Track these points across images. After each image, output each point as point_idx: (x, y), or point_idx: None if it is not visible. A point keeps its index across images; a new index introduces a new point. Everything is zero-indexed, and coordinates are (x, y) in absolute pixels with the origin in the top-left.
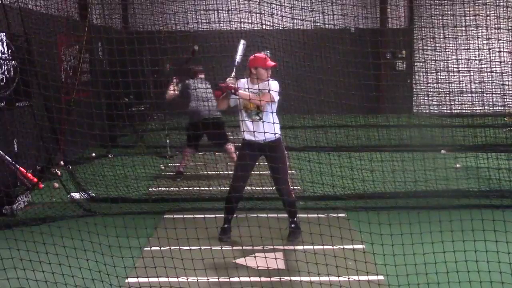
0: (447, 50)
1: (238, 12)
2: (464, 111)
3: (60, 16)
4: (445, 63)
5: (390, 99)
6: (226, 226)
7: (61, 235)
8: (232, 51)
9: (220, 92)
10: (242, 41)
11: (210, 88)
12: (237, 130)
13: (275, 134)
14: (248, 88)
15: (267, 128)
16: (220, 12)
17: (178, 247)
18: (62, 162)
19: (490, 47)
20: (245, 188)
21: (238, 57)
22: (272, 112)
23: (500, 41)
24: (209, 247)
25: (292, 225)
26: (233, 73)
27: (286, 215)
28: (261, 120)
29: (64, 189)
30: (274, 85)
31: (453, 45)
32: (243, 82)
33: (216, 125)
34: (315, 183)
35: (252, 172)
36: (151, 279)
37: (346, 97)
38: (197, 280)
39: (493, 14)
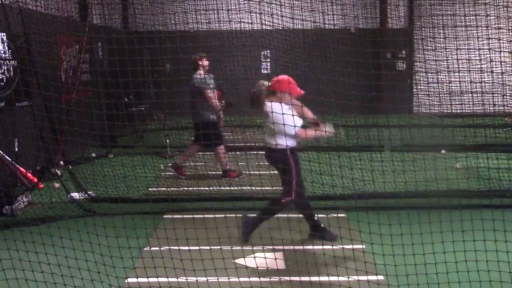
0: (447, 50)
1: (238, 12)
2: (464, 111)
3: (60, 16)
4: (445, 63)
5: (390, 99)
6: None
7: (60, 235)
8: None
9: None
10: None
11: (211, 85)
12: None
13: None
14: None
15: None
16: (220, 12)
17: (177, 247)
18: (62, 162)
19: (490, 47)
20: (242, 187)
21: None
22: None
23: (501, 41)
24: (209, 247)
25: (311, 231)
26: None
27: (286, 215)
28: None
29: (64, 189)
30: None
31: (453, 45)
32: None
33: (212, 126)
34: (315, 183)
35: (252, 172)
36: (150, 280)
37: (346, 97)
38: (197, 280)
39: (493, 14)
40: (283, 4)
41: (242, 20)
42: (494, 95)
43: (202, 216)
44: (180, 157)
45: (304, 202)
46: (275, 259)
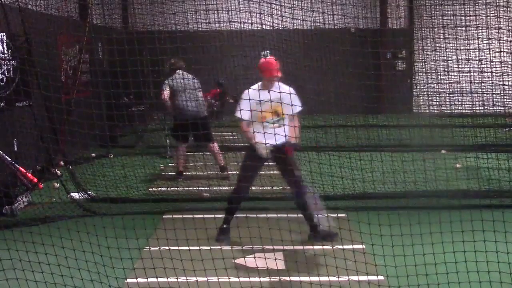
0: (447, 50)
1: (238, 12)
2: (464, 111)
3: (60, 16)
4: (445, 63)
5: (390, 99)
6: (225, 226)
7: (60, 236)
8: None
9: (216, 91)
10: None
11: (196, 84)
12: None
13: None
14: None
15: (283, 132)
16: (220, 12)
17: (177, 248)
18: (62, 162)
19: (490, 47)
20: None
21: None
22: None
23: (500, 41)
24: (209, 248)
25: (311, 232)
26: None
27: (286, 215)
28: (278, 125)
29: (64, 189)
30: (294, 98)
31: (453, 45)
32: (252, 93)
33: (202, 124)
34: (315, 183)
35: None
36: (150, 280)
37: (346, 97)
38: (197, 280)
39: (493, 14)
40: (283, 4)
41: (242, 20)
42: (494, 95)
43: (202, 216)
44: (178, 164)
45: (305, 202)
46: (275, 259)
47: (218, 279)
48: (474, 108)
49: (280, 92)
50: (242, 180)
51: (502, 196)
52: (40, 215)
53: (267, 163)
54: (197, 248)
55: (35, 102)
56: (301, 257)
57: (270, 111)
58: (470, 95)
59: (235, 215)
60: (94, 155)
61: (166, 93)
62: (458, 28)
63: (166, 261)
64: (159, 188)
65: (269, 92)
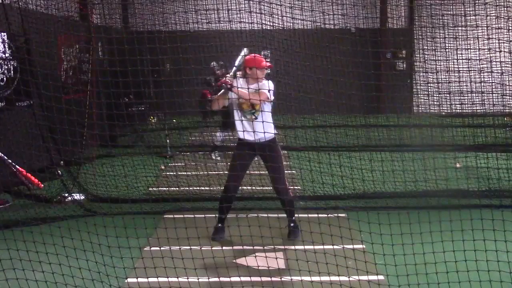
0: (447, 50)
1: (238, 12)
2: (464, 111)
3: (60, 16)
4: (445, 63)
5: (390, 99)
6: (219, 225)
7: (61, 235)
8: (230, 52)
9: (208, 91)
10: (244, 49)
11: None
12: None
13: (270, 133)
14: (248, 88)
15: (262, 127)
16: (220, 12)
17: (178, 247)
18: (62, 162)
19: (490, 46)
20: (242, 187)
21: (238, 61)
22: (267, 112)
23: (501, 41)
24: (210, 247)
25: (291, 224)
26: (231, 73)
27: (286, 215)
28: (256, 120)
29: (64, 189)
30: (270, 85)
31: (453, 45)
32: (239, 82)
33: None
34: (315, 182)
35: (252, 172)
36: (150, 279)
37: (346, 97)
38: (198, 280)
39: (493, 14)
40: (283, 4)
41: (242, 20)
42: (493, 94)
43: (203, 215)
44: None
45: (292, 199)
46: (276, 258)
47: (219, 278)
48: (474, 107)
49: (259, 89)
50: (230, 179)
51: (502, 196)
52: (41, 214)
53: (256, 159)
54: (198, 247)
55: (35, 102)
56: (301, 256)
57: (248, 103)
58: (470, 94)
59: (236, 215)
60: (94, 155)
61: None
62: (458, 28)
63: (166, 260)
64: (159, 188)
65: (250, 86)
